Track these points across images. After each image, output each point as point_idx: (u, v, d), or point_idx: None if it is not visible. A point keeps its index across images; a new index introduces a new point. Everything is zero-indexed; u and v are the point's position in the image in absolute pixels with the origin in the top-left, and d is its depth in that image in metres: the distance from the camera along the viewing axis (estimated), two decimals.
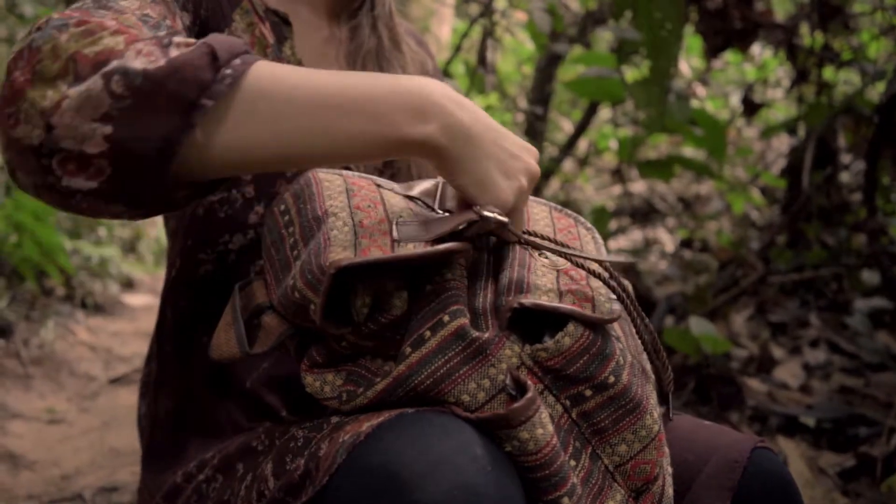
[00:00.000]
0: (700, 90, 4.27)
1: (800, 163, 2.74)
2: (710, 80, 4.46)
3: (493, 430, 0.65)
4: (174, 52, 0.61)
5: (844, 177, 3.13)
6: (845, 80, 3.32)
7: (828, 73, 2.81)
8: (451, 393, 0.66)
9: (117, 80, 0.59)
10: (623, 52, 2.39)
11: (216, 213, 0.89)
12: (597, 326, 0.69)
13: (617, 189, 4.63)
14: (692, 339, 1.97)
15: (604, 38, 3.71)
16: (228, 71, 0.62)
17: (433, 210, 0.75)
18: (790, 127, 3.05)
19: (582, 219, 0.85)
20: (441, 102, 0.66)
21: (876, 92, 2.61)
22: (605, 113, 4.13)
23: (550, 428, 0.66)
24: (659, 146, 4.72)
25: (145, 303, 3.31)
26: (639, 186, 4.47)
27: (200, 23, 0.86)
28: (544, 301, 0.68)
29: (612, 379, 0.68)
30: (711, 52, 2.50)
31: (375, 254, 0.66)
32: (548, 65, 2.77)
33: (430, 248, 0.66)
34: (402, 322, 0.67)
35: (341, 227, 0.69)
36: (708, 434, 0.81)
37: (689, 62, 4.27)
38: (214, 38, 0.64)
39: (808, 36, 2.70)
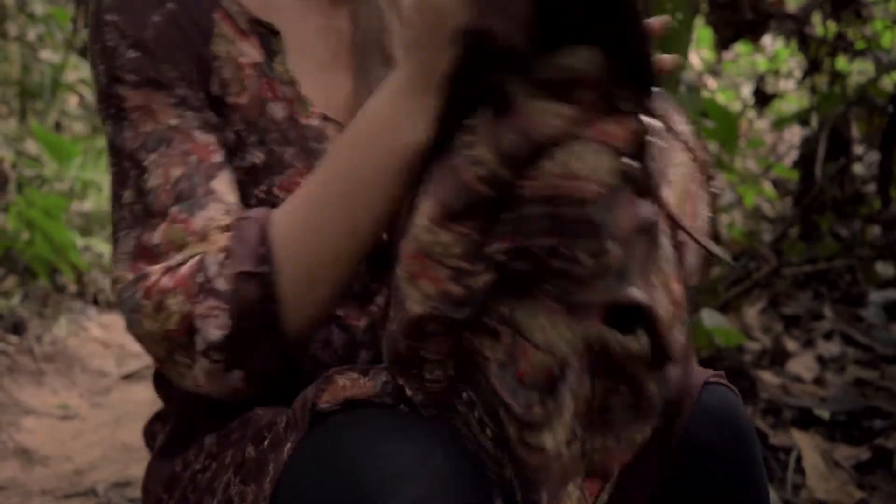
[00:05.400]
0: (711, 82, 4.25)
1: (812, 154, 2.72)
2: (722, 71, 4.44)
3: None
4: (223, 288, 0.68)
5: (858, 168, 3.10)
6: (858, 70, 3.29)
7: (840, 62, 2.79)
8: None
9: (212, 353, 0.70)
10: None
11: None
12: None
13: None
14: (705, 332, 1.96)
15: None
16: (264, 267, 0.68)
17: None
18: (802, 118, 3.02)
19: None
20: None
21: (890, 81, 2.58)
22: None
23: None
24: None
25: None
26: None
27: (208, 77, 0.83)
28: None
29: None
30: (722, 43, 2.48)
31: None
32: None
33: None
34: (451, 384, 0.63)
35: None
36: None
37: (699, 53, 4.24)
38: (234, 256, 0.69)
39: (820, 25, 2.68)
